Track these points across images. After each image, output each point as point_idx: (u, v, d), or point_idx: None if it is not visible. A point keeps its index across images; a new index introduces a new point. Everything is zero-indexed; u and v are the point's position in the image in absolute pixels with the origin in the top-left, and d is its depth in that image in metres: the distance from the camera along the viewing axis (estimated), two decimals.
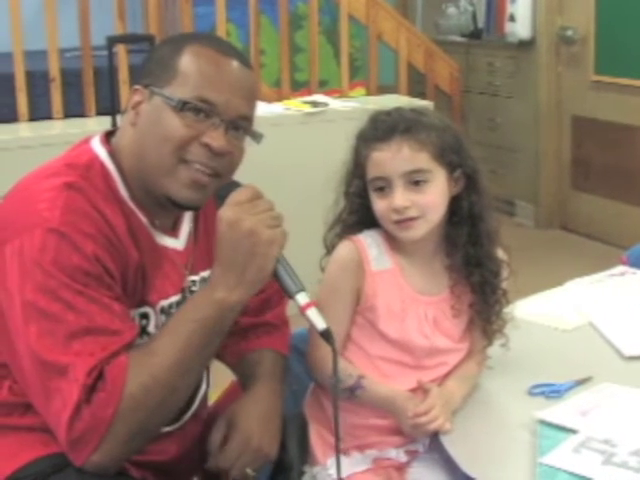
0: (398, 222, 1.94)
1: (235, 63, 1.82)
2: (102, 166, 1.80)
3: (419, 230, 1.95)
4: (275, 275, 1.74)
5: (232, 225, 1.69)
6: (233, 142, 1.81)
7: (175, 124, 1.76)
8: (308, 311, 1.74)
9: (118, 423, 1.63)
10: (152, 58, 1.87)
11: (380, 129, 1.97)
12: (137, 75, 1.89)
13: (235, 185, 1.78)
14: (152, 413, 1.68)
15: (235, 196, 1.73)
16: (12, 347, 1.70)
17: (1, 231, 1.71)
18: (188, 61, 1.79)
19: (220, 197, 1.77)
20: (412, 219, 1.93)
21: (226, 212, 1.71)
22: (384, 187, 1.95)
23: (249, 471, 1.85)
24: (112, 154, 1.83)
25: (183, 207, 1.84)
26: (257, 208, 1.72)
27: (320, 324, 1.74)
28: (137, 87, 1.83)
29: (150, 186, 1.81)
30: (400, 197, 1.93)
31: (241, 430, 1.86)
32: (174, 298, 1.87)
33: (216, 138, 1.77)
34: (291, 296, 1.75)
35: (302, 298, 1.74)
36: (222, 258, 1.72)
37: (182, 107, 1.76)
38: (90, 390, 1.62)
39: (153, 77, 1.81)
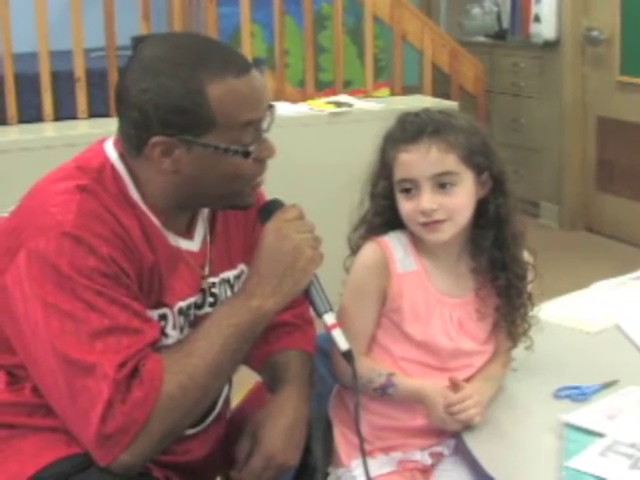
0: (425, 224, 1.93)
1: (252, 73, 1.79)
2: (113, 169, 1.80)
3: (446, 232, 1.94)
4: (307, 292, 1.84)
5: (279, 239, 1.80)
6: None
7: (246, 166, 1.79)
8: (333, 331, 1.83)
9: (153, 422, 1.65)
10: (160, 104, 1.72)
11: (408, 130, 1.95)
12: (142, 120, 1.73)
13: (278, 202, 1.89)
14: (187, 413, 1.73)
15: (284, 213, 1.84)
16: (28, 350, 1.71)
17: (16, 236, 1.71)
18: (219, 106, 1.73)
19: (265, 211, 1.87)
20: (439, 222, 1.92)
21: (275, 226, 1.82)
22: (411, 189, 1.94)
23: None
24: (123, 156, 1.81)
25: (244, 209, 1.91)
26: (303, 227, 1.82)
27: (343, 345, 1.83)
28: (159, 140, 1.73)
29: (207, 205, 1.89)
30: (428, 199, 1.91)
31: (265, 446, 1.87)
32: (191, 299, 1.87)
33: (269, 149, 1.83)
34: (319, 315, 1.84)
35: (329, 318, 1.84)
36: (261, 268, 1.80)
37: (245, 154, 1.77)
38: (124, 388, 1.63)
39: (179, 128, 1.73)
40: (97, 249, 1.67)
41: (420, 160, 1.92)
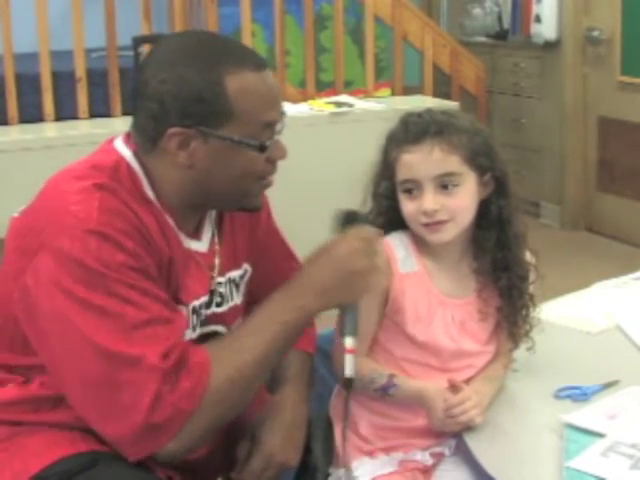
0: (427, 225, 1.93)
1: (265, 71, 1.81)
2: (128, 167, 1.80)
3: (448, 233, 1.94)
4: (343, 309, 1.84)
5: (349, 255, 1.79)
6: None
7: (258, 162, 1.80)
8: (348, 355, 1.81)
9: (201, 414, 1.68)
10: (180, 94, 1.73)
11: (411, 131, 1.95)
12: (160, 111, 1.75)
13: (362, 216, 1.90)
14: (234, 406, 1.77)
15: (363, 232, 1.83)
16: (53, 350, 1.70)
17: (34, 237, 1.71)
18: (238, 97, 1.75)
19: (345, 217, 1.87)
20: (441, 222, 1.92)
21: (350, 240, 1.80)
22: (413, 189, 1.94)
23: None
24: (137, 154, 1.82)
25: (254, 211, 1.93)
26: (372, 253, 1.81)
27: (349, 371, 1.82)
28: (176, 130, 1.74)
29: (218, 206, 1.89)
30: (430, 200, 1.92)
31: (265, 446, 1.89)
32: (203, 299, 1.88)
33: (281, 151, 1.84)
34: (343, 334, 1.83)
35: (349, 342, 1.83)
36: (319, 270, 1.80)
37: (262, 148, 1.78)
38: (172, 378, 1.65)
39: (197, 118, 1.74)
40: (123, 244, 1.68)
41: (423, 161, 1.92)
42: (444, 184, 1.92)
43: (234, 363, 1.72)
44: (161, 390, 1.64)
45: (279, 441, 1.89)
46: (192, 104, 1.74)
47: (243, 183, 1.82)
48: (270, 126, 1.80)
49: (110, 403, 1.67)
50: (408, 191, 1.95)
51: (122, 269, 1.67)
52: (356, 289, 1.81)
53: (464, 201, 1.94)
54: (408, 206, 1.95)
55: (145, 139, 1.80)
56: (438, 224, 1.93)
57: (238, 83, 1.75)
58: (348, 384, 1.82)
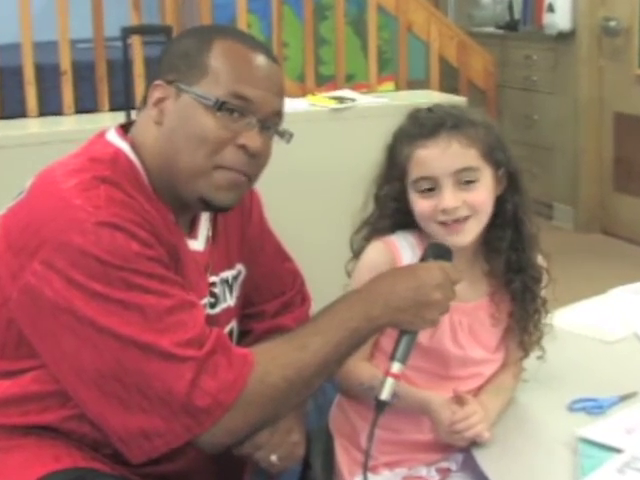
0: (444, 224, 1.92)
1: (265, 58, 1.86)
2: (127, 160, 1.83)
3: (470, 234, 1.94)
4: (402, 333, 1.86)
5: (431, 287, 1.83)
6: (266, 142, 1.86)
7: (210, 125, 1.80)
8: (390, 378, 1.84)
9: (248, 409, 1.71)
10: (174, 52, 1.88)
11: (425, 125, 1.95)
12: (156, 69, 1.89)
13: (447, 250, 1.91)
14: (287, 405, 1.79)
15: (451, 270, 1.86)
16: (60, 348, 1.69)
17: (32, 234, 1.71)
18: (219, 57, 1.82)
19: (436, 249, 1.91)
20: (461, 221, 1.91)
21: (437, 272, 1.84)
22: (432, 188, 1.93)
23: (274, 458, 1.85)
24: (134, 148, 1.84)
25: (217, 209, 1.89)
26: (450, 293, 1.85)
27: (384, 395, 1.84)
28: (159, 83, 1.84)
29: (180, 187, 1.84)
30: (450, 197, 1.91)
31: (268, 447, 1.86)
32: (205, 299, 1.89)
33: (252, 139, 1.82)
34: (392, 357, 1.86)
35: (397, 367, 1.85)
36: (399, 289, 1.83)
37: (220, 107, 1.79)
38: (209, 367, 1.67)
39: (178, 73, 1.83)
40: (136, 234, 1.70)
41: (440, 156, 1.92)
42: (463, 180, 1.92)
43: (295, 363, 1.75)
44: (199, 378, 1.66)
45: (282, 422, 1.87)
46: (178, 59, 1.85)
47: (197, 150, 1.80)
48: (242, 99, 1.81)
49: (139, 395, 1.67)
50: (425, 190, 1.94)
51: (138, 259, 1.68)
52: (425, 319, 1.84)
53: (484, 196, 1.93)
54: (423, 205, 1.94)
55: (141, 106, 1.89)
56: (458, 224, 1.92)
57: (225, 46, 1.84)
58: (381, 406, 1.82)
